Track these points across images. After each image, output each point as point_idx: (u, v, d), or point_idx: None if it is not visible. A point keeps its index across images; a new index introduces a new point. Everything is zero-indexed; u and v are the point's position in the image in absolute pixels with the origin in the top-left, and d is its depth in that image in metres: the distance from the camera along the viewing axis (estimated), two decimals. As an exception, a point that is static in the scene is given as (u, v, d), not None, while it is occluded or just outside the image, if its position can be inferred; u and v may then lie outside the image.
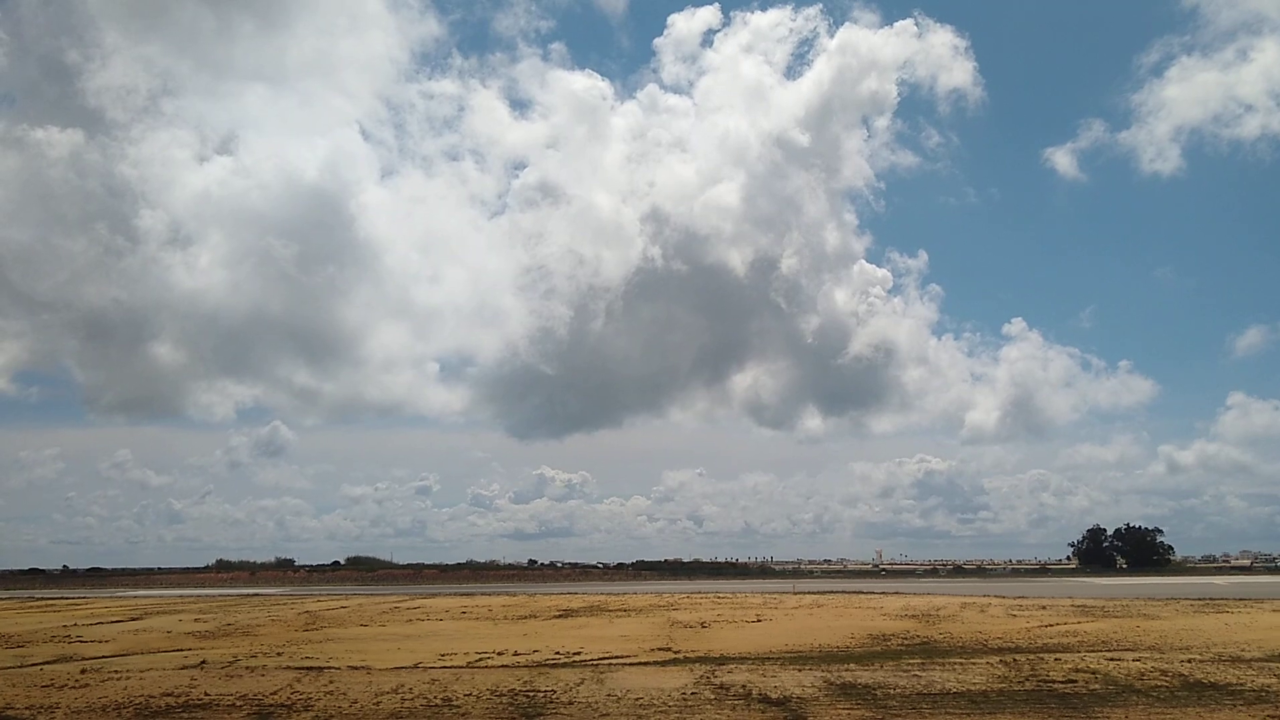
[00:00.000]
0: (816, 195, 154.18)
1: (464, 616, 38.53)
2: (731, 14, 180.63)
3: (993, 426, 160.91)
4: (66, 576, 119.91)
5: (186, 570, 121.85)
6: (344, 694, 17.40)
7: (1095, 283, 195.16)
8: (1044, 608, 38.39)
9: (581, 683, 18.19)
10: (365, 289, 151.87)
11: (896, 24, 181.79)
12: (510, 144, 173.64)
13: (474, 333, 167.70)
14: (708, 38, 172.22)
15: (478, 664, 22.43)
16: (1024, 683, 17.04)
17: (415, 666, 22.05)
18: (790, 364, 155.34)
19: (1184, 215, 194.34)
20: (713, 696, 16.17)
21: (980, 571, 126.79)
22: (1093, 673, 18.21)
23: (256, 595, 64.82)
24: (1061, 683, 16.91)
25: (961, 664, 19.87)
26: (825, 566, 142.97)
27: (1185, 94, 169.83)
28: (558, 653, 24.56)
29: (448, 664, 22.42)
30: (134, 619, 39.32)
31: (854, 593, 55.21)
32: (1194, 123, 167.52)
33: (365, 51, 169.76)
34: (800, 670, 19.52)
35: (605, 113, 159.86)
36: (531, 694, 16.97)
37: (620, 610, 40.50)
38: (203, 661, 23.30)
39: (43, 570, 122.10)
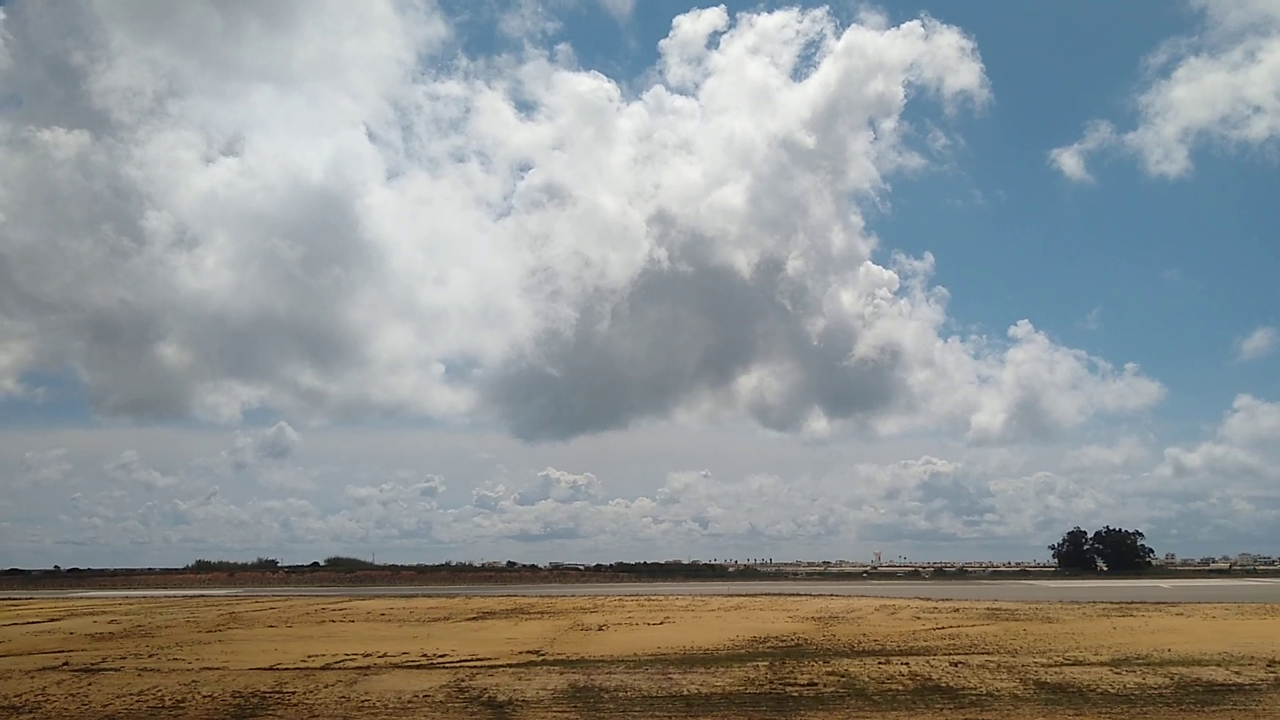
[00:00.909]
0: (822, 197, 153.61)
1: (381, 619, 38.66)
2: (737, 15, 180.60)
3: (999, 429, 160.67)
4: (48, 576, 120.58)
5: (166, 571, 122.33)
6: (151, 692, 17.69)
7: (1102, 285, 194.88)
8: (956, 610, 38.38)
9: (335, 684, 18.63)
10: (371, 290, 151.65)
11: (903, 25, 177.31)
12: (516, 145, 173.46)
13: (479, 334, 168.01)
14: (713, 39, 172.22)
15: (333, 665, 22.60)
16: (765, 685, 17.20)
17: (271, 668, 22.25)
18: (796, 366, 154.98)
19: (1191, 217, 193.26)
20: (443, 699, 16.55)
21: (961, 574, 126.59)
22: (845, 677, 18.16)
23: (202, 596, 65.17)
24: (803, 685, 17.08)
25: (725, 668, 19.91)
26: (822, 568, 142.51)
27: (1193, 95, 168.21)
28: (424, 654, 24.68)
29: (305, 665, 22.61)
30: (54, 620, 39.61)
31: (788, 595, 55.18)
32: (1201, 124, 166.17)
33: (372, 52, 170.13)
34: (607, 673, 19.64)
35: (611, 114, 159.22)
36: (264, 695, 17.47)
37: (538, 613, 40.63)
38: (65, 663, 23.53)
39: (23, 570, 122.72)
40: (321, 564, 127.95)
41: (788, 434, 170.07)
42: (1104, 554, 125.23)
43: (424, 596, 58.69)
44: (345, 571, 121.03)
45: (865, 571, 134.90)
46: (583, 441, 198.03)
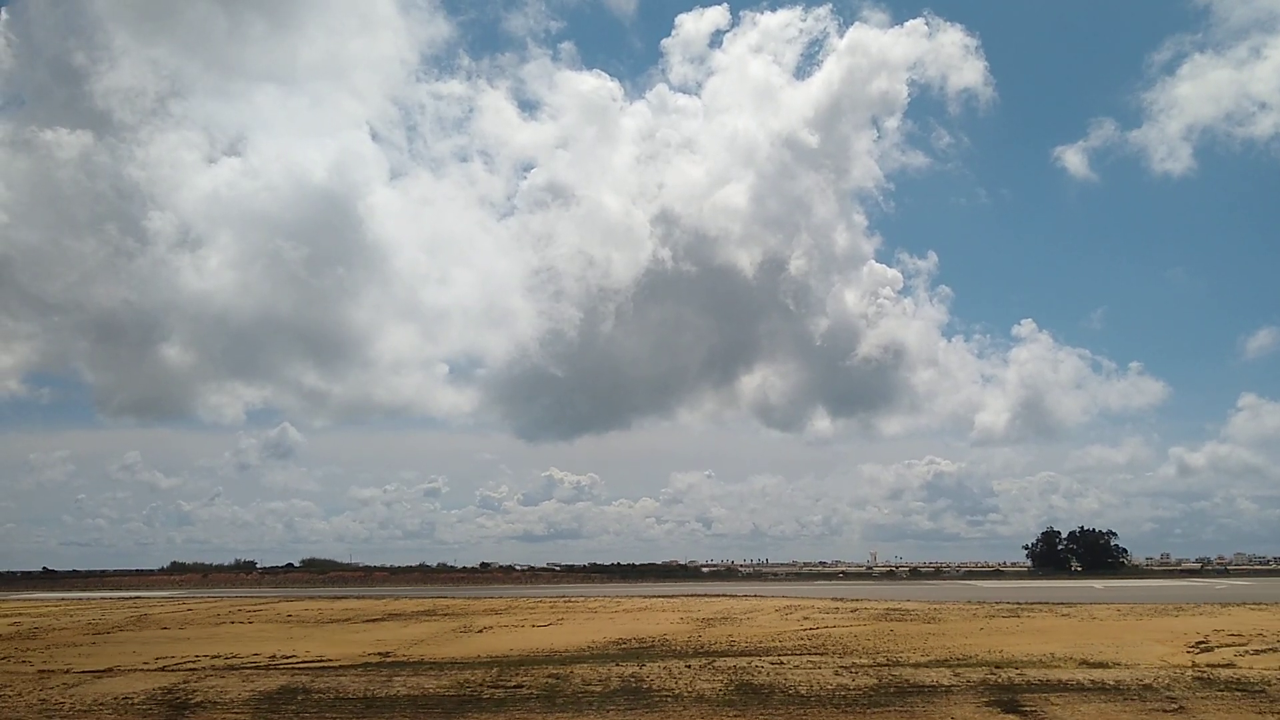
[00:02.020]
0: (826, 196, 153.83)
1: (286, 620, 38.80)
2: (740, 14, 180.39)
3: (1002, 428, 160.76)
4: (26, 579, 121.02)
5: (139, 572, 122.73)
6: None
7: (1106, 283, 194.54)
8: (854, 611, 38.40)
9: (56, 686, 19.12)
10: (374, 290, 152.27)
11: (907, 24, 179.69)
12: (519, 145, 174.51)
13: (483, 334, 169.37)
14: (716, 38, 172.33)
15: (171, 667, 22.73)
16: (475, 688, 17.32)
17: (108, 670, 22.41)
18: (799, 365, 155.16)
19: (1196, 215, 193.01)
20: (139, 702, 17.07)
21: (937, 574, 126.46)
22: (561, 679, 18.17)
23: (138, 598, 65.36)
24: (510, 687, 17.25)
25: (457, 671, 20.07)
26: (818, 569, 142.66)
27: (1197, 92, 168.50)
28: (275, 656, 24.86)
29: (149, 668, 22.75)
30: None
31: (713, 596, 55.17)
32: (1206, 121, 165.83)
33: (375, 53, 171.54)
34: (335, 676, 19.78)
35: (615, 113, 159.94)
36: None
37: (443, 614, 40.77)
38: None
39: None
40: (297, 565, 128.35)
41: (791, 434, 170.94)
42: (1078, 554, 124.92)
43: (355, 598, 58.82)
44: (319, 572, 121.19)
45: (860, 571, 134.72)
46: (586, 442, 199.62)
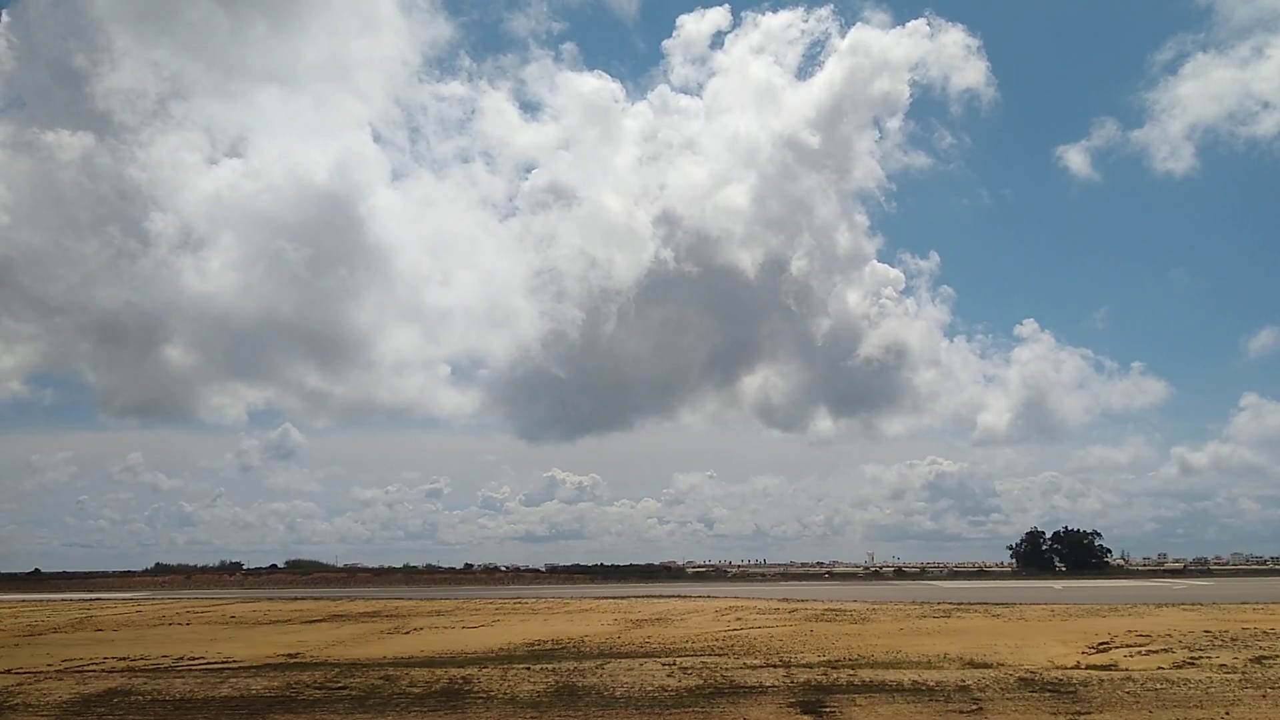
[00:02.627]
0: (828, 196, 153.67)
1: (229, 622, 38.81)
2: (742, 15, 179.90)
3: (1004, 428, 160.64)
4: (11, 580, 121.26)
5: (125, 574, 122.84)
6: None
7: (1108, 283, 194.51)
8: (793, 611, 38.35)
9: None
10: (376, 292, 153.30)
11: (908, 24, 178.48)
12: (521, 146, 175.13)
13: (485, 335, 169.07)
14: (718, 39, 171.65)
15: (72, 670, 22.75)
16: (307, 689, 17.38)
17: (6, 672, 22.47)
18: (801, 366, 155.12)
19: (1198, 215, 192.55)
20: None
21: (922, 574, 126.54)
22: (390, 680, 18.07)
23: (97, 600, 65.46)
24: (335, 688, 17.24)
25: (289, 673, 19.98)
26: (814, 569, 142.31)
27: (1200, 91, 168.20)
28: (180, 658, 24.87)
29: (48, 671, 22.76)
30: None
31: (666, 596, 55.21)
32: (1208, 120, 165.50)
33: (377, 53, 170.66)
34: (177, 676, 19.95)
35: (616, 115, 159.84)
36: None
37: (387, 615, 40.80)
38: None
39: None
40: (280, 566, 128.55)
41: (793, 434, 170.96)
42: (1061, 554, 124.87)
43: (311, 599, 58.89)
44: (303, 574, 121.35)
45: (848, 571, 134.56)
46: (588, 442, 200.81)
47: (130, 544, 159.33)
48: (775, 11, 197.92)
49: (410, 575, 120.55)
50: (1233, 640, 23.34)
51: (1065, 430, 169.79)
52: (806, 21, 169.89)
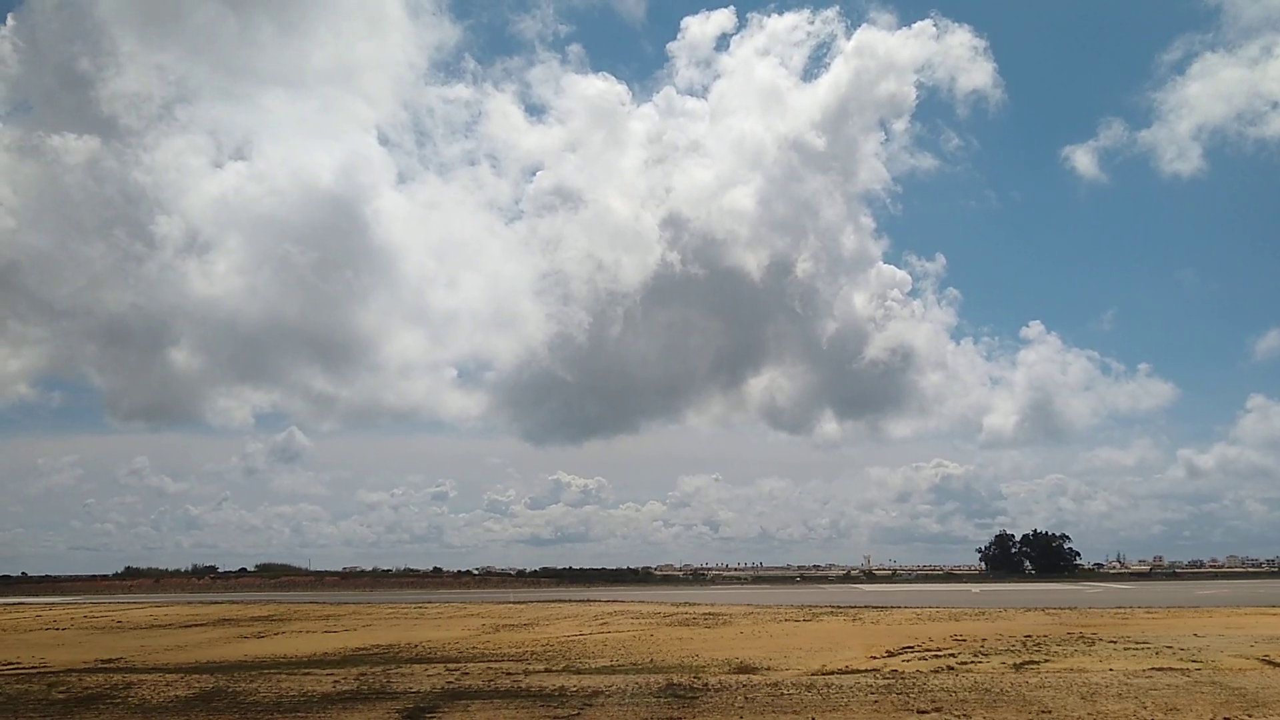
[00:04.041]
0: (833, 198, 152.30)
1: (111, 629, 38.94)
2: (747, 17, 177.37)
3: (1011, 431, 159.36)
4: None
5: (92, 578, 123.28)
6: None
7: (1115, 285, 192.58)
8: (667, 616, 38.41)
9: None
10: (382, 294, 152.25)
11: (914, 25, 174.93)
12: (527, 148, 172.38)
13: (491, 338, 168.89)
14: (723, 41, 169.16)
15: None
16: (57, 690, 17.50)
17: None
18: (807, 368, 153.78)
19: (1205, 216, 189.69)
20: None
21: (893, 577, 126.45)
22: (115, 683, 18.40)
23: (19, 604, 65.71)
24: (80, 689, 17.27)
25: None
26: (812, 572, 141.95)
27: (1208, 92, 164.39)
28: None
29: None
30: None
31: (562, 601, 55.51)
32: (1216, 121, 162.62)
33: (384, 56, 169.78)
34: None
35: (622, 117, 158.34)
36: None
37: (282, 618, 41.17)
38: None
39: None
40: (250, 570, 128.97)
41: (799, 437, 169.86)
42: (1031, 557, 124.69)
43: (241, 604, 59.12)
44: (271, 577, 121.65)
45: (827, 574, 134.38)
46: (594, 445, 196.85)
47: (136, 547, 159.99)
48: (780, 13, 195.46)
49: (377, 579, 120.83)
50: (1007, 650, 23.16)
51: (1072, 432, 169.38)
52: (812, 23, 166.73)
